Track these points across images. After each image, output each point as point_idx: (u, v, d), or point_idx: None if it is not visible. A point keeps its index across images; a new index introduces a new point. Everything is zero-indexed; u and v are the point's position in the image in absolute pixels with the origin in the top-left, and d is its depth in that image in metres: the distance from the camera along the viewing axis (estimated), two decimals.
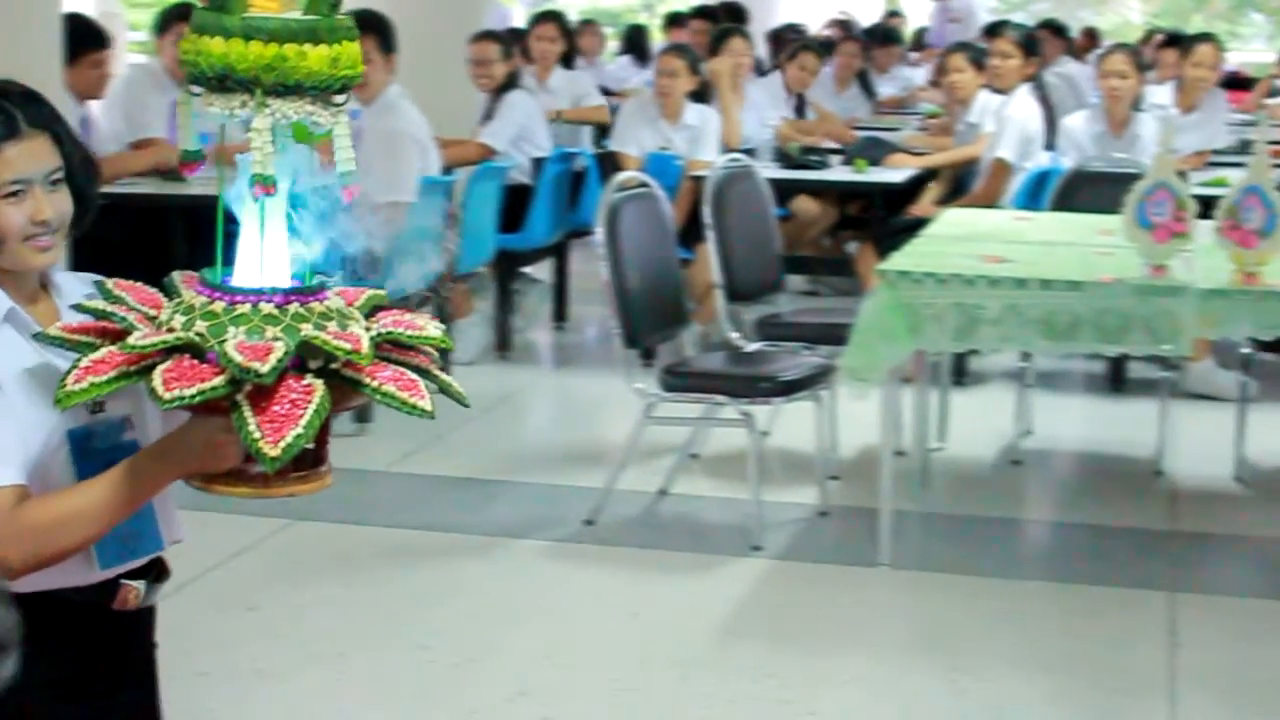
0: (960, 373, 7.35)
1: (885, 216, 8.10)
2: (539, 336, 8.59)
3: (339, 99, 2.13)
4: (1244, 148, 7.80)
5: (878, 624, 4.82)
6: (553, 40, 9.72)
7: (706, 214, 6.17)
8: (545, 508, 5.72)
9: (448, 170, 7.39)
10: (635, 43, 14.29)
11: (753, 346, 5.98)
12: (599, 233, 5.43)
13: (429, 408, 2.13)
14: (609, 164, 8.07)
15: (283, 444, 2.02)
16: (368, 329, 2.18)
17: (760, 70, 11.02)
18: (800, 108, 10.29)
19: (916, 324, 4.92)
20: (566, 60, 9.82)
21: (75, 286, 2.38)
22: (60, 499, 2.22)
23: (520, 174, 8.19)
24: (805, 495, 5.79)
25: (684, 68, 8.22)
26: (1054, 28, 12.70)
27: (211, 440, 2.13)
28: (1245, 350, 6.16)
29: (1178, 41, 10.39)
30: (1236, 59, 18.78)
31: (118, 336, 2.15)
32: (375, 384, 2.12)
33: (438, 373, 2.21)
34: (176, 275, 2.28)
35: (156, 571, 2.45)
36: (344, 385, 2.13)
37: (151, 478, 2.21)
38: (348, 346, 2.09)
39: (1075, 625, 4.76)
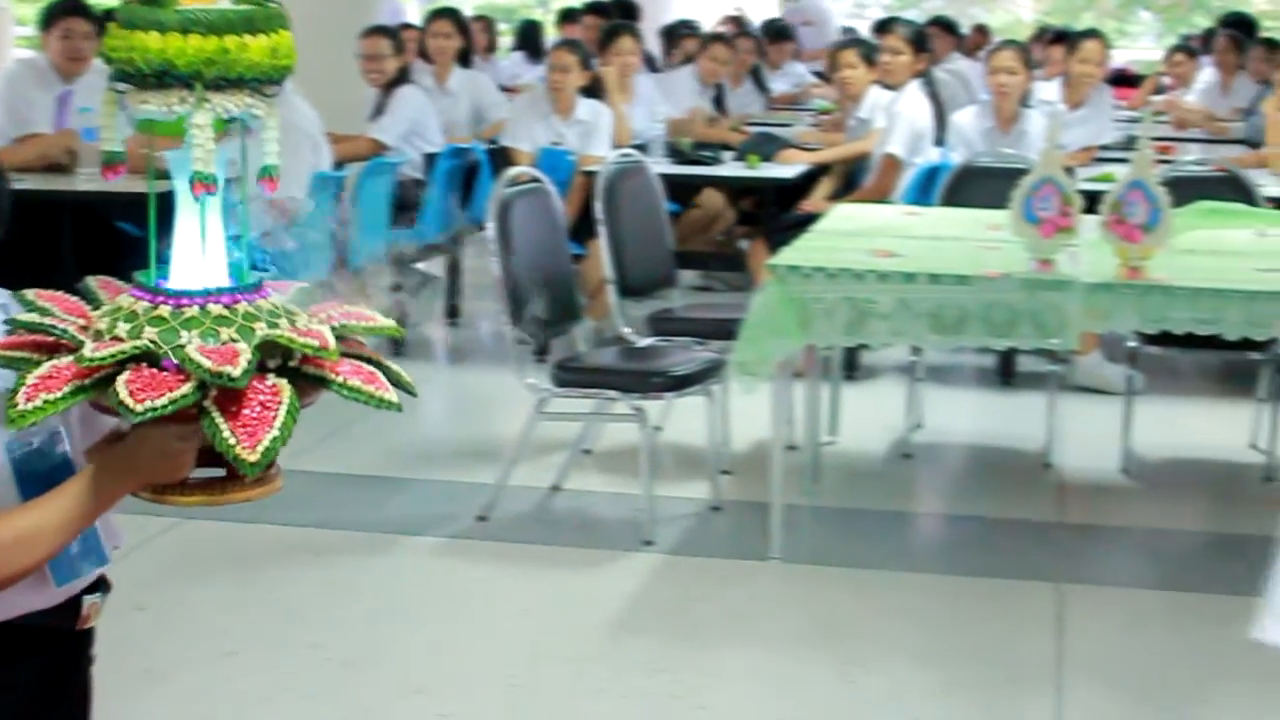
0: (851, 367, 7.39)
1: (777, 212, 8.14)
2: (432, 332, 8.56)
3: (272, 90, 2.06)
4: (1130, 143, 7.89)
5: (769, 618, 4.84)
6: (449, 36, 9.63)
7: (598, 209, 6.18)
8: (438, 504, 5.70)
9: (339, 165, 7.35)
10: (529, 38, 14.26)
11: (645, 341, 5.99)
12: (490, 228, 5.42)
13: (394, 399, 2.07)
14: (501, 159, 8.05)
15: (260, 448, 1.94)
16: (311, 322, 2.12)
17: (652, 66, 11.04)
18: (720, 98, 10.34)
19: (807, 318, 4.95)
20: (464, 58, 9.76)
21: None
22: (10, 521, 2.12)
23: (412, 169, 8.16)
24: (697, 490, 5.81)
25: (576, 63, 8.23)
26: (945, 24, 12.83)
27: (166, 450, 2.05)
28: (1131, 344, 6.24)
29: (1065, 38, 10.51)
30: (1125, 56, 19.03)
31: (53, 349, 2.04)
32: (341, 379, 2.05)
33: (389, 364, 2.14)
34: (92, 281, 2.17)
35: (104, 584, 2.41)
36: (305, 383, 2.05)
37: (104, 494, 2.12)
38: (315, 343, 2.02)
39: (965, 616, 4.81)
